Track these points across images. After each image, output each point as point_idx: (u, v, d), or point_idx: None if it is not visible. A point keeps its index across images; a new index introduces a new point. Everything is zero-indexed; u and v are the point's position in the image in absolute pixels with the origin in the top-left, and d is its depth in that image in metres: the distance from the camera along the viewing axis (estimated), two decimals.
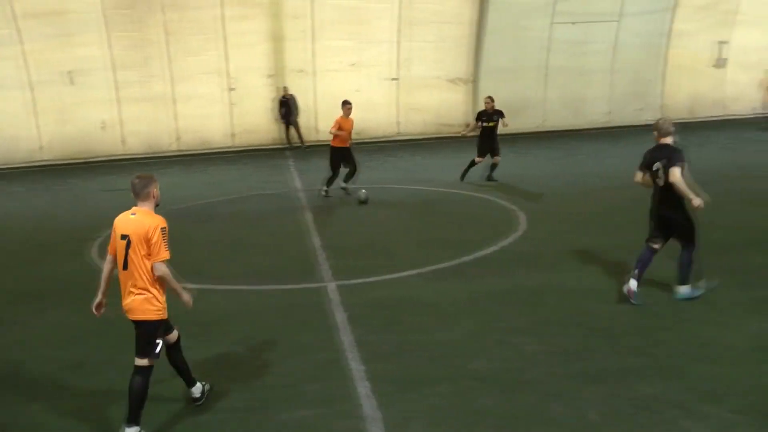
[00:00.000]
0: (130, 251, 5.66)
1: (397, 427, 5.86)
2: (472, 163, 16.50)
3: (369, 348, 7.43)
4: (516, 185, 15.74)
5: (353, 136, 15.70)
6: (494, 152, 16.27)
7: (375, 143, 23.14)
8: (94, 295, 6.07)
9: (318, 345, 7.60)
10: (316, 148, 21.87)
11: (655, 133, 8.21)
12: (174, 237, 6.02)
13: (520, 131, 22.31)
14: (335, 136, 15.12)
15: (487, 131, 16.27)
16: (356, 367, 7.00)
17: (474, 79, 24.19)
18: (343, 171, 15.46)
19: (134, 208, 5.86)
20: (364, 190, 14.82)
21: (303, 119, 23.53)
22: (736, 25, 25.82)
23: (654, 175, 8.13)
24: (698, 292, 8.35)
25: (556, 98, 24.71)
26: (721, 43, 25.88)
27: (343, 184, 15.49)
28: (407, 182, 16.91)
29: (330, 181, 15.58)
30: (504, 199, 14.44)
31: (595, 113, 25.34)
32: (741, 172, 16.50)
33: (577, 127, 24.81)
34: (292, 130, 23.60)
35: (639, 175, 8.38)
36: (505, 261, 10.37)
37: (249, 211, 14.86)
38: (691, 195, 7.79)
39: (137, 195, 5.84)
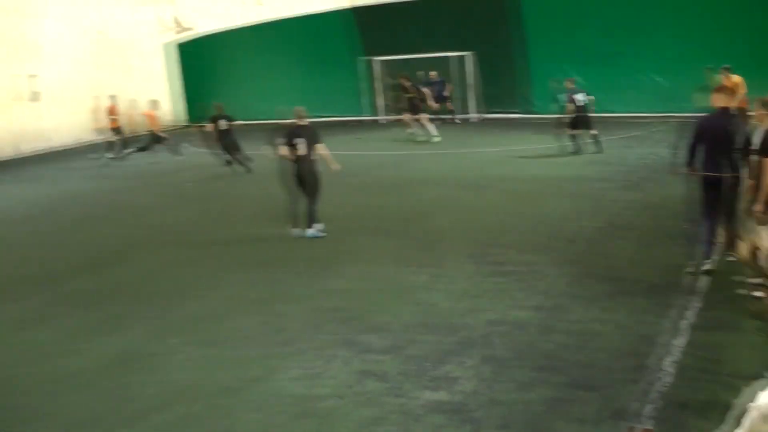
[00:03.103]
0: None
1: None
2: None
3: None
4: None
5: None
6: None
7: None
8: None
9: None
10: None
11: (295, 117, 11.10)
12: None
13: None
14: None
15: None
16: None
17: None
18: None
19: None
20: None
21: None
22: (41, 58, 25.81)
23: (295, 147, 10.80)
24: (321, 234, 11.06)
25: None
26: (31, 76, 25.58)
27: None
28: None
29: None
30: None
31: None
32: (71, 200, 16.52)
33: None
34: None
35: (283, 149, 10.88)
36: None
37: None
38: (332, 161, 11.19)
39: None
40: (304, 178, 11.00)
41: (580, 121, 16.68)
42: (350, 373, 6.44)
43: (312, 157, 10.99)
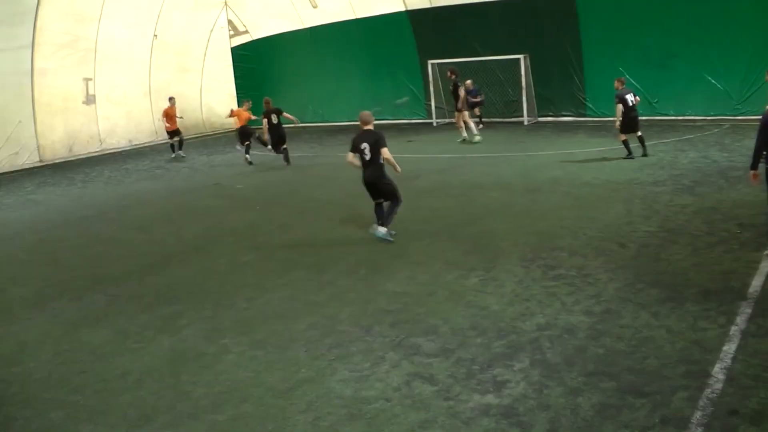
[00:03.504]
0: None
1: None
2: None
3: None
4: None
5: None
6: None
7: None
8: None
9: None
10: None
11: (360, 122, 11.09)
12: None
13: None
14: None
15: None
16: None
17: None
18: None
19: None
20: None
21: None
22: (97, 62, 26.47)
23: (362, 153, 10.83)
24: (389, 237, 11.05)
25: None
26: (87, 79, 26.22)
27: None
28: None
29: None
30: None
31: None
32: (126, 201, 16.93)
33: None
34: None
35: (350, 156, 11.08)
36: None
37: None
38: (396, 165, 10.98)
39: None
40: (374, 183, 11.06)
41: (630, 122, 16.38)
42: (399, 375, 6.51)
43: (379, 161, 10.94)
